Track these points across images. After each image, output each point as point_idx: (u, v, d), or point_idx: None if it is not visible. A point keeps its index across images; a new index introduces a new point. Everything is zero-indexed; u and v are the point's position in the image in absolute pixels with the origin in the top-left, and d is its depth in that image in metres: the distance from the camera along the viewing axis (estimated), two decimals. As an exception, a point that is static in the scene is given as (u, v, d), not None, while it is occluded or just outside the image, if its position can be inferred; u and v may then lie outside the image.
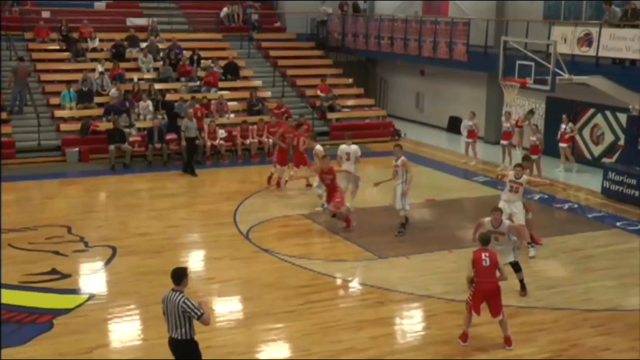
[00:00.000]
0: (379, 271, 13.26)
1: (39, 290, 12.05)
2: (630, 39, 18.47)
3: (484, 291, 10.23)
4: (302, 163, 18.63)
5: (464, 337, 10.43)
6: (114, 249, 14.06)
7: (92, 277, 12.86)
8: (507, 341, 10.35)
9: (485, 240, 10.54)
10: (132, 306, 11.57)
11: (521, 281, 12.17)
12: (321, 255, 13.99)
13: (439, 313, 11.52)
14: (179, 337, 8.08)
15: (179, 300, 7.99)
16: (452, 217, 16.96)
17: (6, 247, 13.92)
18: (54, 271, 12.84)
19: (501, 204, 13.48)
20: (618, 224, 16.37)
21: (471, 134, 22.20)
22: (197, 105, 22.91)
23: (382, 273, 13.14)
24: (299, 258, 13.69)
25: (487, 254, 10.30)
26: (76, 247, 14.21)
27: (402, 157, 14.97)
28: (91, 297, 11.81)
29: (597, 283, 12.76)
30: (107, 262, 13.43)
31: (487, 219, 11.82)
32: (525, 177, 13.86)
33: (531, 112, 22.63)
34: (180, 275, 8.22)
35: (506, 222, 12.10)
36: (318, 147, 17.08)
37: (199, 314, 7.97)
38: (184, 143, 20.55)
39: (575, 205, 18.01)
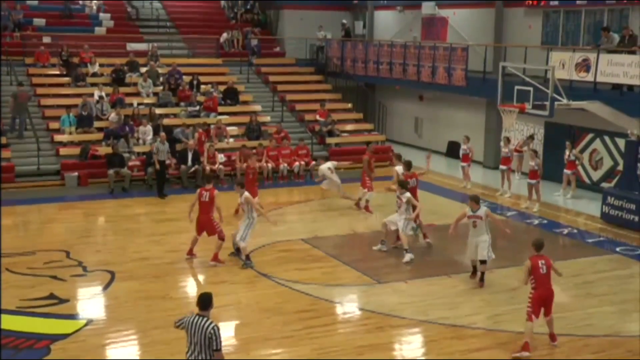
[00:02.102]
0: (379, 296, 13.21)
1: (37, 315, 11.98)
2: (628, 65, 18.58)
3: (543, 297, 10.88)
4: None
5: (527, 346, 10.71)
6: (112, 273, 14.01)
7: (90, 302, 12.79)
8: (553, 337, 11.16)
9: (539, 246, 11.17)
10: (130, 331, 11.51)
11: (482, 274, 13.67)
12: (321, 280, 13.93)
13: (439, 339, 11.45)
14: None
15: (209, 326, 7.94)
16: (451, 242, 16.88)
17: (4, 272, 13.87)
18: (51, 296, 12.78)
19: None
20: (618, 249, 16.34)
21: (465, 157, 22.30)
22: (200, 130, 23.05)
23: (382, 298, 13.09)
24: (298, 283, 13.63)
25: (542, 261, 10.95)
26: (74, 271, 14.15)
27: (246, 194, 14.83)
28: (89, 322, 11.74)
29: (598, 309, 12.72)
30: (106, 287, 13.38)
31: (467, 208, 13.36)
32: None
33: (531, 137, 22.70)
34: (207, 301, 8.18)
35: (483, 207, 13.42)
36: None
37: (219, 347, 7.94)
38: (157, 166, 20.53)
39: (575, 230, 18.00)
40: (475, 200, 13.49)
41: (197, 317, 8.06)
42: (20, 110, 23.01)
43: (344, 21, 32.13)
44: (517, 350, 10.78)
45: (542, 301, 10.84)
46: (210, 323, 7.97)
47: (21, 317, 11.88)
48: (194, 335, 7.99)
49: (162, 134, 21.55)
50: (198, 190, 14.92)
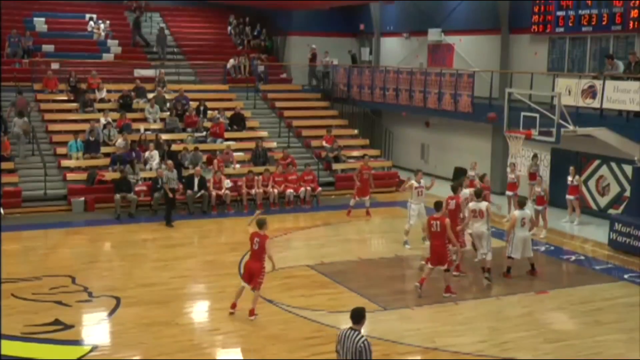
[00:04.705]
0: (385, 323, 13.12)
1: (41, 341, 11.93)
2: (634, 91, 18.57)
3: (247, 265, 13.04)
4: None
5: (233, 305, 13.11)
6: (118, 299, 13.96)
7: (96, 328, 12.75)
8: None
9: (260, 225, 12.78)
10: (135, 358, 11.45)
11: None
12: (326, 306, 13.85)
13: (445, 366, 11.37)
14: None
15: (359, 340, 8.11)
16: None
17: (9, 297, 13.83)
18: (57, 322, 12.72)
19: None
20: (625, 276, 16.22)
21: (471, 183, 22.23)
22: (219, 157, 23.42)
23: (388, 325, 13.00)
24: (303, 309, 13.57)
25: (257, 239, 12.66)
26: (80, 297, 14.11)
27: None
28: (94, 348, 11.69)
29: (606, 337, 12.60)
30: (111, 313, 13.33)
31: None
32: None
33: (535, 156, 22.53)
34: (359, 315, 8.36)
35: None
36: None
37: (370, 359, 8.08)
38: (171, 195, 20.45)
39: (582, 257, 17.90)
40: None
41: (349, 331, 8.27)
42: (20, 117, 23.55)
43: (314, 46, 31.93)
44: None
45: (245, 271, 13.16)
46: (362, 337, 8.14)
47: (26, 343, 11.83)
48: (346, 348, 8.18)
49: (170, 162, 21.51)
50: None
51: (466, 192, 16.42)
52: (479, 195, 15.48)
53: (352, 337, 8.15)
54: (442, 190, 25.46)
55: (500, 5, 26.01)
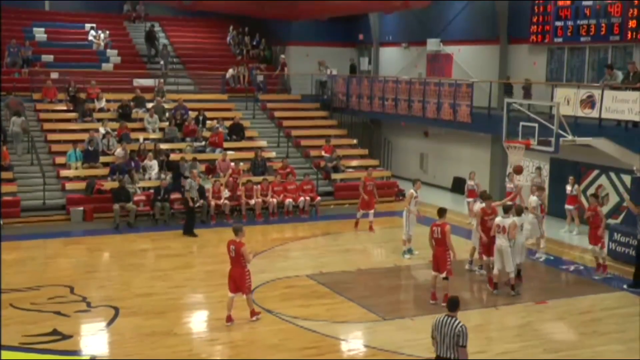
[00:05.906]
0: (384, 333, 13.10)
1: (40, 351, 11.89)
2: (633, 101, 18.60)
3: (230, 274, 13.02)
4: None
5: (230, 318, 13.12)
6: (116, 309, 13.94)
7: (94, 338, 12.72)
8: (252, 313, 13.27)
9: (235, 232, 12.96)
10: (133, 368, 11.43)
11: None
12: (325, 316, 13.83)
13: (444, 377, 11.31)
14: (452, 357, 8.89)
15: (457, 325, 8.84)
16: (456, 279, 16.79)
17: (7, 307, 13.80)
18: (55, 332, 12.69)
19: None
20: (624, 286, 16.19)
21: (471, 193, 22.22)
22: (234, 166, 23.52)
23: (387, 335, 12.98)
24: (302, 319, 13.54)
25: (233, 247, 12.82)
26: (78, 307, 14.09)
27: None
28: (93, 358, 11.68)
29: (606, 347, 12.57)
30: (110, 323, 13.31)
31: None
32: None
33: (538, 168, 22.50)
34: (455, 304, 9.13)
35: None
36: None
37: (465, 344, 8.79)
38: (191, 204, 20.44)
39: (581, 267, 17.87)
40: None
41: (446, 317, 8.98)
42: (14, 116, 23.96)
43: (282, 56, 32.26)
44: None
45: (229, 277, 13.10)
46: (459, 322, 8.87)
47: (24, 353, 11.80)
48: (443, 333, 8.90)
49: (194, 171, 21.55)
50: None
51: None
52: (506, 210, 15.23)
53: (449, 323, 8.86)
54: (440, 198, 25.58)
55: (499, 15, 26.10)
